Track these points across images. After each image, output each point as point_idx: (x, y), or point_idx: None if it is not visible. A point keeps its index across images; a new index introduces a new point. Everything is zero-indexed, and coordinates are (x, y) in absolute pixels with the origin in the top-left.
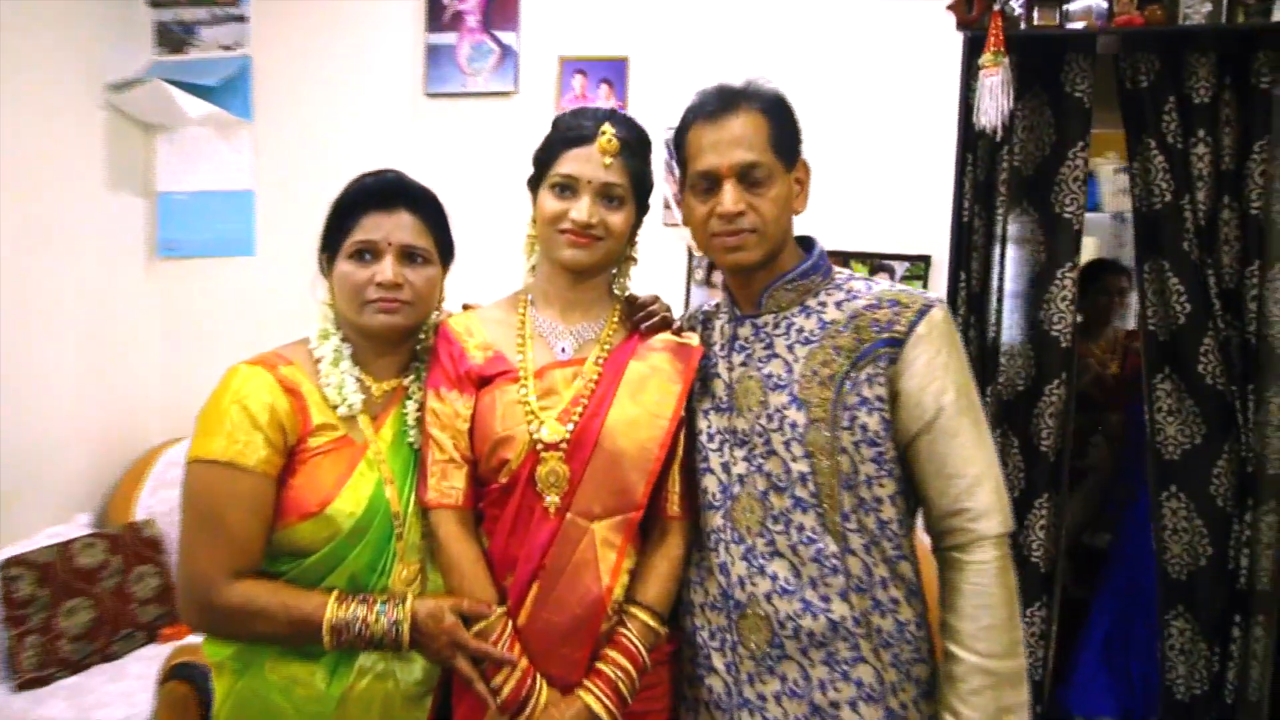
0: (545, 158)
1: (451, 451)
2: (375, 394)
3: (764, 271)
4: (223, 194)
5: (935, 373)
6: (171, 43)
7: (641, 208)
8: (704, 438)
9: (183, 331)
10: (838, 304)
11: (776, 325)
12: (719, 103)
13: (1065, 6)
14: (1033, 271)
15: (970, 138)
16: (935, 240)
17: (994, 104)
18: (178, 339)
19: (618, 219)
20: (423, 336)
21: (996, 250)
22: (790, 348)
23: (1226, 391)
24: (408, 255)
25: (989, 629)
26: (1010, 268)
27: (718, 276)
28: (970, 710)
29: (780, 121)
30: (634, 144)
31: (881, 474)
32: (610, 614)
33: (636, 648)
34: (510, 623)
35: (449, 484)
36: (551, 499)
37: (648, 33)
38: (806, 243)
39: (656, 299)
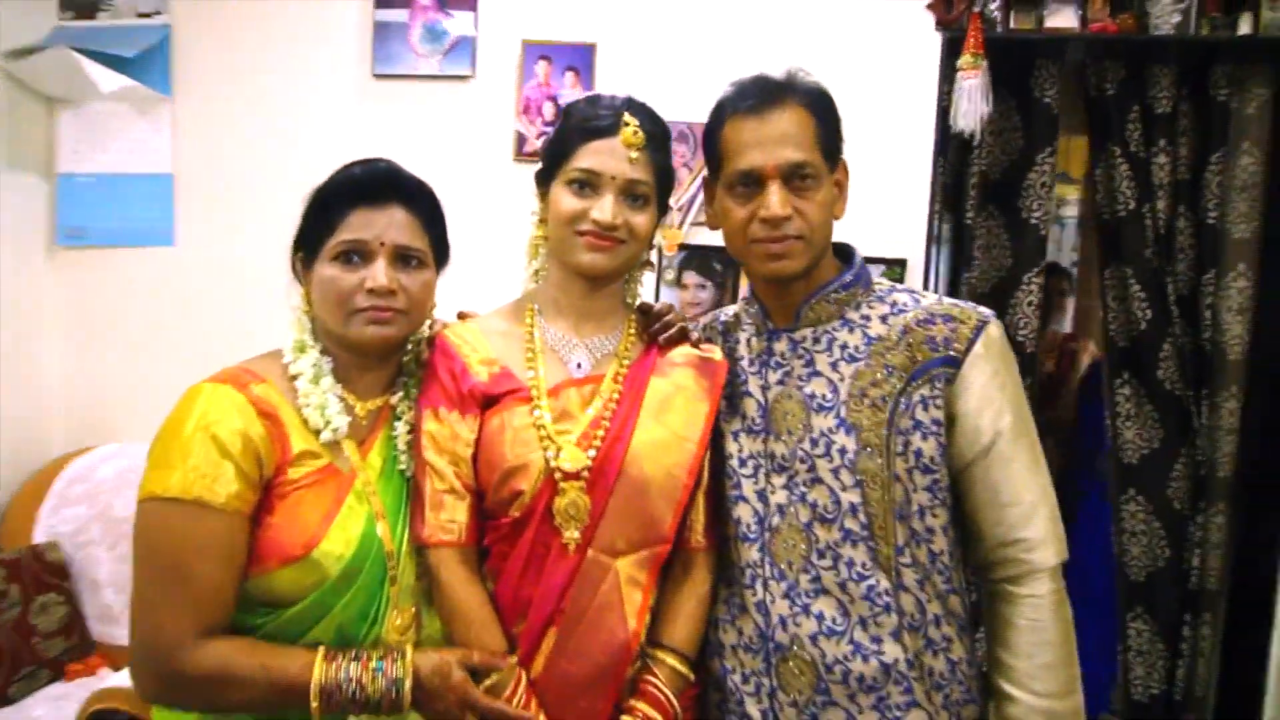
0: (560, 150)
1: (452, 480)
2: (360, 415)
3: (803, 281)
4: (137, 177)
5: (993, 394)
6: (79, 6)
7: (663, 207)
8: (735, 462)
9: (90, 329)
10: (883, 318)
11: (817, 340)
12: (762, 95)
13: (1041, 11)
14: (999, 276)
15: (946, 140)
16: (912, 244)
17: (972, 107)
18: (84, 338)
19: (642, 220)
20: (410, 347)
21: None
22: (834, 365)
23: (1183, 396)
24: (401, 257)
25: (1046, 667)
26: (976, 272)
27: (690, 277)
28: None
29: (826, 118)
30: (658, 136)
31: (935, 503)
32: (634, 659)
33: (665, 697)
34: (525, 676)
35: (449, 518)
36: (571, 534)
37: (618, 18)
38: (841, 250)
39: (671, 308)
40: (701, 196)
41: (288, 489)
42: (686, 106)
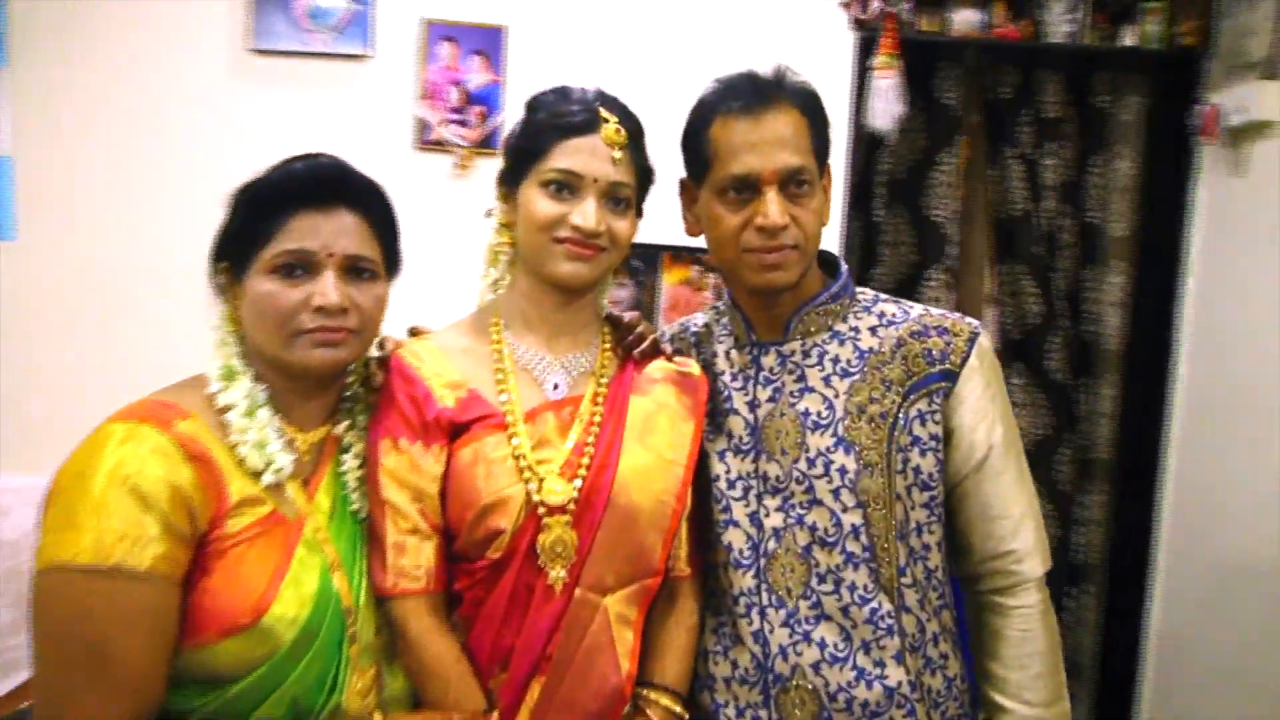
0: (532, 147)
1: (416, 519)
2: (301, 449)
3: (791, 293)
4: None
5: (986, 407)
6: None
7: (640, 211)
8: (723, 484)
9: None
10: (872, 329)
11: (807, 354)
12: (755, 94)
13: (947, 14)
14: (904, 272)
15: (859, 140)
16: (828, 242)
17: (886, 106)
18: None
19: (624, 225)
20: (352, 368)
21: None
22: (827, 380)
23: (1069, 385)
24: (352, 269)
25: (1038, 677)
26: (882, 268)
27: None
28: None
29: (817, 120)
30: (638, 134)
31: (931, 519)
32: (627, 703)
33: None
34: None
35: (414, 563)
36: (557, 573)
37: (530, 1)
38: (823, 258)
39: (640, 318)
40: None
41: (227, 544)
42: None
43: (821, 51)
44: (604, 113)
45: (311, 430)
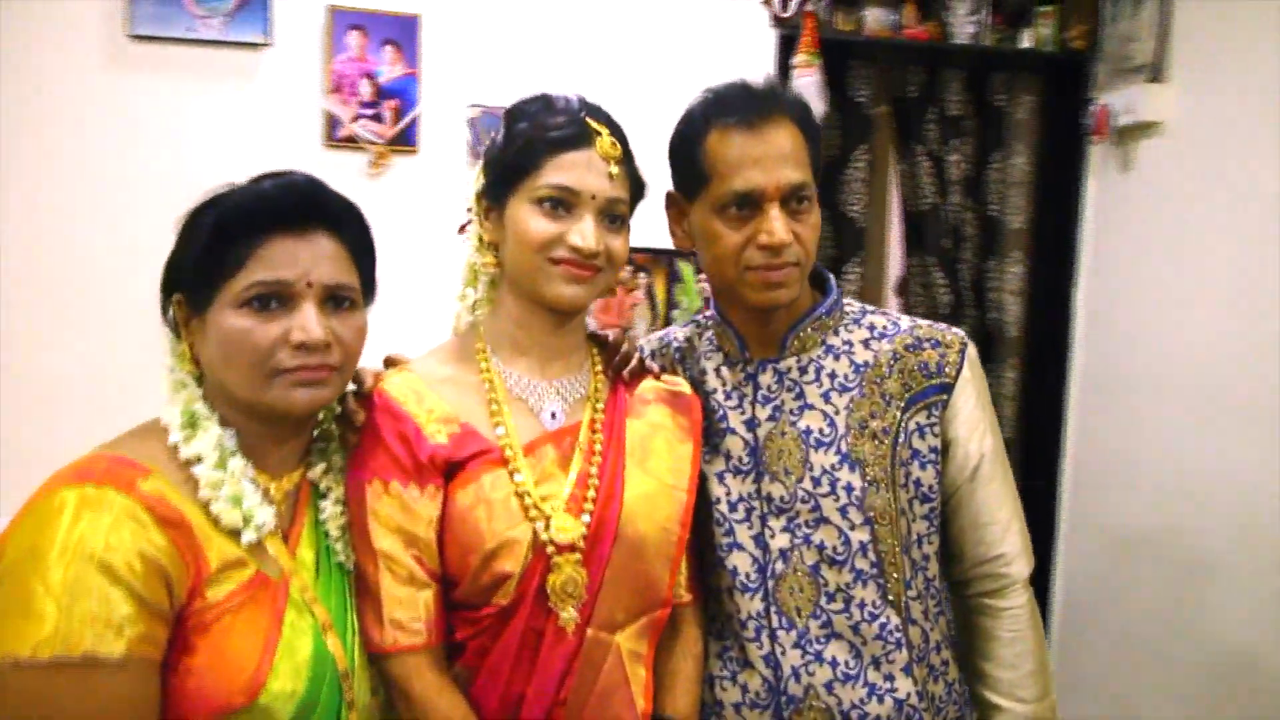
0: (521, 162)
1: (412, 567)
2: (277, 499)
3: (785, 309)
4: None
5: (979, 417)
6: None
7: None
8: (724, 507)
9: None
10: (865, 343)
11: (804, 370)
12: (755, 108)
13: (861, 14)
14: (823, 265)
15: None
16: None
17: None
18: None
19: (619, 243)
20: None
21: None
22: (826, 396)
23: None
24: (331, 299)
25: (1029, 674)
26: None
27: None
28: None
29: (813, 135)
30: (628, 146)
31: (930, 530)
32: None
33: None
34: None
35: (411, 616)
36: (568, 615)
37: None
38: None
39: (624, 335)
40: None
41: (209, 616)
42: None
43: (743, 48)
44: (595, 124)
45: (285, 477)
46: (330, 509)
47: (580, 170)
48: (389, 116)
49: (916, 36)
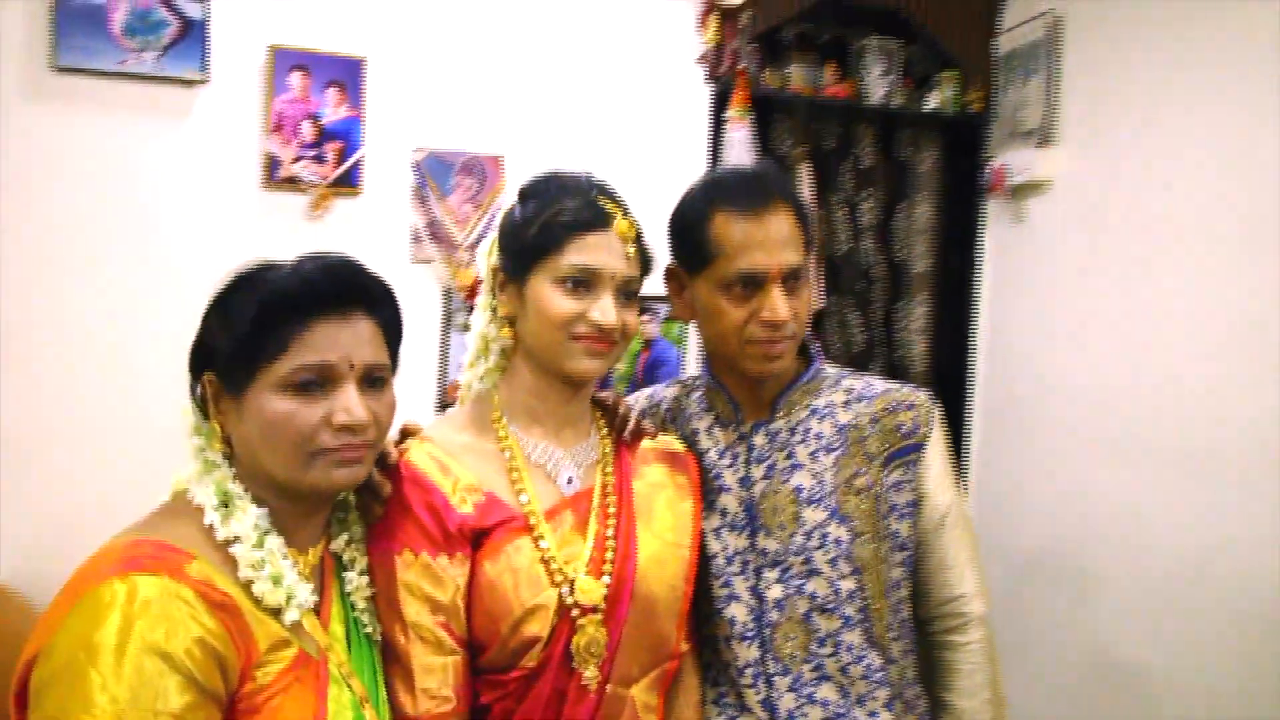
0: (544, 242)
1: (442, 637)
2: (304, 573)
3: (776, 377)
4: None
5: (945, 471)
6: None
7: None
8: (721, 561)
9: None
10: (845, 404)
11: (793, 432)
12: (758, 195)
13: (786, 72)
14: None
15: None
16: None
17: (739, 155)
18: None
19: (633, 318)
20: None
21: None
22: (814, 456)
23: None
24: (368, 378)
25: (986, 702)
26: None
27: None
28: None
29: (806, 220)
30: (639, 225)
31: (905, 576)
32: None
33: None
34: None
35: (441, 682)
36: (591, 673)
37: (392, 31)
38: None
39: (620, 398)
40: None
41: (260, 699)
42: (469, 136)
43: (680, 102)
44: (610, 205)
45: (311, 550)
46: (356, 580)
47: (601, 251)
48: (332, 158)
49: (835, 94)
